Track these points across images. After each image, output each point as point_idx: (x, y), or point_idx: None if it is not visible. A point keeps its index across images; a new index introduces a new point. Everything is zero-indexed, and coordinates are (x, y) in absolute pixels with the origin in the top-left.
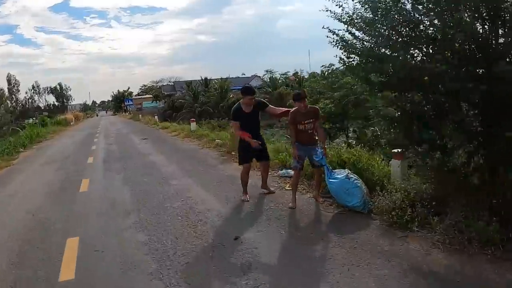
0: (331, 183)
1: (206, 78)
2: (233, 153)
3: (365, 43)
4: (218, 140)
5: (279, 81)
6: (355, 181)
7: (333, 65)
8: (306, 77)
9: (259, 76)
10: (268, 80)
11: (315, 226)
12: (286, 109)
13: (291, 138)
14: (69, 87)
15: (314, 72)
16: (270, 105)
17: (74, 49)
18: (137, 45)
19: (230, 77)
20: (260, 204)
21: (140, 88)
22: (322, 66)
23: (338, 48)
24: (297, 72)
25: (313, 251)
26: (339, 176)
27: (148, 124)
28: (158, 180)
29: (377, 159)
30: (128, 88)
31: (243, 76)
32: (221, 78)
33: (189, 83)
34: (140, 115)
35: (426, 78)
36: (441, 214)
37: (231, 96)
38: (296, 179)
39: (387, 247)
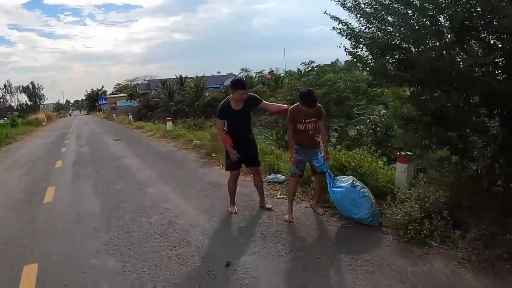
0: (334, 192)
1: (181, 77)
2: (213, 154)
3: (379, 32)
4: (196, 141)
5: (255, 80)
6: (362, 190)
7: (313, 62)
8: (282, 75)
9: (235, 75)
10: (244, 79)
11: (320, 245)
12: (285, 106)
13: (289, 139)
14: (41, 86)
15: (290, 70)
16: (264, 101)
17: (47, 47)
18: (111, 43)
19: (206, 75)
20: (251, 217)
21: (115, 87)
22: (302, 63)
23: (346, 38)
24: (272, 71)
25: (324, 278)
26: (343, 185)
27: (122, 124)
28: (132, 188)
29: (380, 162)
30: (102, 87)
31: (219, 74)
32: (197, 77)
33: (164, 82)
34: (114, 115)
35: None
36: (460, 226)
37: (206, 94)
38: (294, 187)
39: (409, 269)
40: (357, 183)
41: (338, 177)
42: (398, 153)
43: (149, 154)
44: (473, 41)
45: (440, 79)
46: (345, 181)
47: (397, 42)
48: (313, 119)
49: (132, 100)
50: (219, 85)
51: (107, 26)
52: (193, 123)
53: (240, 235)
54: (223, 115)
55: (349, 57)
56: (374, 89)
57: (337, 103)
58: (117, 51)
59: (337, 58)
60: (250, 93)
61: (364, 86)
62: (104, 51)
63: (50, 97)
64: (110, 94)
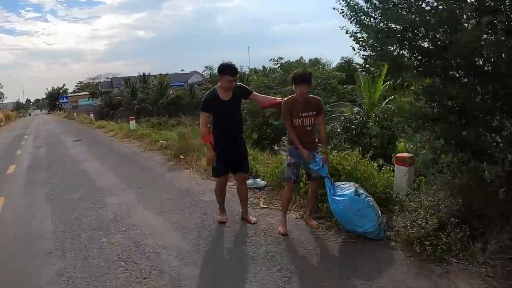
0: (336, 202)
1: (144, 74)
2: (181, 156)
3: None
4: (162, 141)
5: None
6: (367, 199)
7: (282, 58)
8: (247, 72)
9: (199, 72)
10: (209, 76)
11: (323, 267)
12: (277, 99)
13: (292, 136)
14: (0, 84)
15: (254, 68)
16: (254, 92)
17: (7, 44)
18: (74, 40)
19: (169, 73)
20: (234, 234)
21: (77, 85)
22: (271, 60)
23: (354, 23)
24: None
25: None
26: (346, 193)
27: (83, 123)
28: (92, 197)
29: (375, 165)
30: (64, 85)
31: (182, 72)
32: (160, 74)
33: (127, 79)
34: (75, 114)
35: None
36: (476, 237)
37: (170, 92)
38: (289, 195)
39: None
40: (361, 191)
41: (337, 183)
42: (396, 155)
43: (112, 156)
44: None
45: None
46: (347, 188)
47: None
48: (311, 113)
49: (94, 99)
50: (183, 83)
51: (70, 23)
52: (157, 121)
53: (224, 258)
54: (208, 107)
55: (312, 55)
56: (345, 86)
57: None
58: (80, 48)
59: (301, 56)
60: (239, 82)
61: (335, 83)
62: (66, 48)
63: (10, 96)
64: (71, 93)
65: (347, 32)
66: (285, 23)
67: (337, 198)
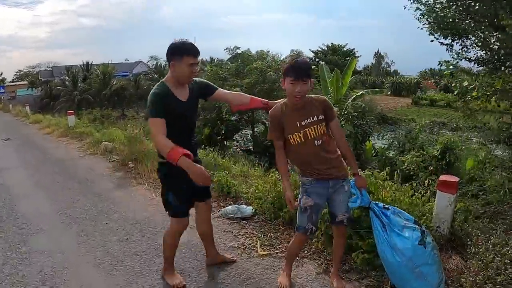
0: (393, 250)
1: (87, 63)
2: (130, 164)
3: None
4: (107, 143)
5: (165, 68)
6: (434, 252)
7: (238, 48)
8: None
9: (144, 63)
10: (154, 67)
11: None
12: (257, 98)
13: (278, 165)
14: None
15: (202, 59)
16: (220, 89)
17: None
18: (13, 26)
19: (113, 62)
20: None
21: (15, 74)
22: (226, 49)
23: None
24: None
25: None
26: (407, 235)
27: (18, 117)
28: (10, 239)
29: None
30: (1, 74)
31: (127, 62)
32: (104, 63)
33: (69, 68)
34: (10, 105)
35: None
36: None
37: (114, 82)
38: (299, 247)
39: None
40: (428, 237)
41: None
42: (440, 178)
43: (43, 165)
44: None
45: None
46: (408, 227)
47: None
48: (315, 119)
49: (34, 89)
50: (127, 73)
51: (10, 7)
52: (99, 114)
53: None
54: (161, 109)
55: (260, 48)
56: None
57: (268, 93)
58: (20, 35)
59: (248, 48)
60: (197, 78)
61: None
62: (5, 35)
63: None
64: (9, 82)
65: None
66: (232, 15)
67: (395, 242)
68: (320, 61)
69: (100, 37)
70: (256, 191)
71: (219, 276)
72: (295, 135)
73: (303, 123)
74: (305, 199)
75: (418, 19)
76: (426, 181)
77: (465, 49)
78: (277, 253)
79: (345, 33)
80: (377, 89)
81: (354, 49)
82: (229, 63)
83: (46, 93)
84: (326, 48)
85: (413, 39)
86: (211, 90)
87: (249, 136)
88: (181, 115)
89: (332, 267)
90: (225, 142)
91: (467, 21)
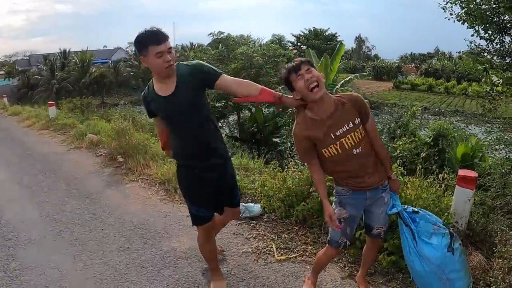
0: (420, 258)
1: (65, 51)
2: (120, 158)
3: None
4: (92, 135)
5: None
6: (462, 257)
7: (223, 33)
8: (173, 49)
9: (123, 49)
10: (133, 53)
11: None
12: (269, 90)
13: (315, 183)
14: None
15: (182, 44)
16: (224, 75)
17: None
18: None
19: (92, 49)
20: None
21: None
22: (210, 34)
23: None
24: None
25: None
26: (435, 243)
27: None
28: None
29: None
30: None
31: (105, 48)
32: (82, 51)
33: (46, 57)
34: None
35: None
36: None
37: (93, 70)
38: (327, 260)
39: None
40: (457, 241)
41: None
42: (459, 172)
43: (26, 161)
44: None
45: None
46: (437, 233)
47: None
48: (350, 126)
49: (11, 79)
50: (106, 60)
51: None
52: (79, 103)
53: None
54: (148, 109)
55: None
56: None
57: (255, 79)
58: None
59: (228, 33)
60: (195, 61)
61: (285, 61)
62: None
63: None
64: None
65: None
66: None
67: (424, 251)
68: (302, 46)
69: (78, 24)
70: (265, 188)
71: (238, 287)
72: (330, 148)
73: (337, 133)
74: (339, 210)
75: (443, 8)
76: (441, 175)
77: (505, 45)
78: (295, 256)
79: (327, 18)
80: (365, 73)
81: (336, 33)
82: (210, 48)
83: (24, 83)
84: (308, 33)
85: (393, 24)
86: (212, 76)
87: (236, 122)
88: (166, 113)
89: (358, 271)
90: None
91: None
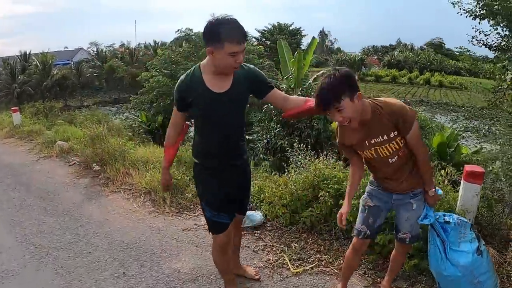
0: (452, 265)
1: (25, 53)
2: (95, 167)
3: None
4: (61, 142)
5: (106, 53)
6: (489, 257)
7: (191, 29)
8: (136, 47)
9: (85, 49)
10: (95, 53)
11: None
12: (311, 99)
13: (350, 181)
14: None
15: (145, 43)
16: (276, 89)
17: None
18: None
19: (52, 51)
20: None
21: None
22: (177, 30)
23: None
24: (124, 44)
25: None
26: (465, 249)
27: None
28: None
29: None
30: None
31: (66, 49)
32: (42, 52)
33: (5, 60)
34: None
35: None
36: None
37: (55, 72)
38: (354, 257)
39: None
40: (483, 243)
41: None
42: (466, 168)
43: None
44: None
45: None
46: (465, 238)
47: None
48: (384, 138)
49: None
50: (69, 61)
51: None
52: (42, 107)
53: None
54: (183, 100)
55: None
56: (261, 60)
57: None
58: None
59: (190, 28)
60: (252, 66)
61: (256, 57)
62: None
63: None
64: None
65: None
66: None
67: (456, 259)
68: (266, 41)
69: (37, 25)
70: (266, 193)
71: None
72: (366, 152)
73: (372, 142)
74: (366, 198)
75: (453, 4)
76: (444, 171)
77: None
78: (311, 268)
79: (289, 12)
80: (338, 68)
81: (300, 28)
82: (172, 45)
83: None
84: (272, 28)
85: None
86: (265, 88)
87: None
88: (210, 110)
89: (380, 278)
90: None
91: None
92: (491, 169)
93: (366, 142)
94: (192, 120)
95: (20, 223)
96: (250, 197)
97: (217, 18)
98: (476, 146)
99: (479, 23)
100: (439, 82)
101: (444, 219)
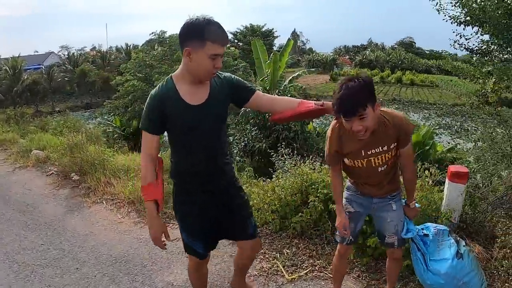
0: (433, 275)
1: None
2: (74, 177)
3: None
4: (37, 151)
5: (79, 57)
6: (470, 256)
7: (165, 32)
8: (108, 50)
9: (56, 53)
10: (66, 57)
11: None
12: (310, 102)
13: (333, 187)
14: None
15: (115, 46)
16: (259, 91)
17: None
18: None
19: (22, 55)
20: None
21: None
22: (152, 33)
23: None
24: (95, 47)
25: None
26: (445, 256)
27: None
28: None
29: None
30: None
31: (36, 54)
32: (12, 57)
33: None
34: None
35: None
36: None
37: (25, 77)
38: (339, 263)
39: None
40: (463, 246)
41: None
42: (450, 168)
43: None
44: None
45: None
46: (443, 245)
47: None
48: (384, 149)
49: None
50: (39, 66)
51: None
52: (13, 113)
53: None
54: (156, 119)
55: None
56: (236, 62)
57: None
58: None
59: (162, 30)
60: (227, 73)
61: (230, 60)
62: None
63: None
64: None
65: None
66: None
67: (436, 269)
68: (239, 42)
69: (6, 29)
70: (255, 201)
71: None
72: (357, 161)
73: (369, 152)
74: (345, 204)
75: (438, 10)
76: (428, 171)
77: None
78: (306, 273)
79: (261, 13)
80: (313, 69)
81: (273, 29)
82: (146, 48)
83: None
84: (245, 29)
85: (326, 17)
86: (246, 94)
87: None
88: (189, 127)
89: (374, 281)
90: None
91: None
92: (466, 165)
93: (363, 152)
94: (166, 138)
95: (0, 239)
96: (251, 218)
97: (197, 17)
98: (449, 143)
99: (464, 29)
100: (411, 81)
101: (423, 232)
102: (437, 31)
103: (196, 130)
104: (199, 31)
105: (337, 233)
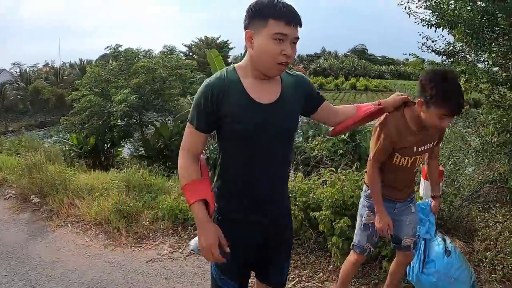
0: (427, 274)
1: None
2: (35, 199)
3: None
4: None
5: (31, 74)
6: (457, 251)
7: (120, 46)
8: (61, 66)
9: (7, 71)
10: (18, 74)
11: None
12: (368, 104)
13: (375, 185)
14: None
15: (69, 62)
16: (326, 100)
17: None
18: None
19: None
20: None
21: None
22: (107, 47)
23: None
24: (48, 63)
25: None
26: (434, 258)
27: None
28: None
29: None
30: None
31: None
32: None
33: None
34: None
35: None
36: None
37: None
38: (353, 269)
39: None
40: (448, 242)
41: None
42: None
43: None
44: None
45: None
46: (432, 244)
47: None
48: (430, 146)
49: None
50: None
51: None
52: None
53: None
54: (214, 115)
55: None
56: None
57: (159, 92)
58: None
59: (118, 44)
60: (299, 72)
61: (188, 73)
62: None
63: None
64: None
65: None
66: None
67: (429, 270)
68: (194, 55)
69: None
70: None
71: None
72: (404, 158)
73: (420, 149)
74: (368, 215)
75: (408, 14)
76: None
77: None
78: (293, 284)
79: (217, 26)
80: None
81: (228, 40)
82: (101, 62)
83: None
84: (199, 42)
85: None
86: (316, 101)
87: (140, 139)
88: (254, 129)
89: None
90: (111, 151)
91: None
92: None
93: (415, 148)
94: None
95: None
96: (289, 261)
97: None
98: None
99: (435, 31)
100: (365, 86)
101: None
102: (389, 38)
103: (263, 135)
104: (260, 8)
105: (356, 243)
